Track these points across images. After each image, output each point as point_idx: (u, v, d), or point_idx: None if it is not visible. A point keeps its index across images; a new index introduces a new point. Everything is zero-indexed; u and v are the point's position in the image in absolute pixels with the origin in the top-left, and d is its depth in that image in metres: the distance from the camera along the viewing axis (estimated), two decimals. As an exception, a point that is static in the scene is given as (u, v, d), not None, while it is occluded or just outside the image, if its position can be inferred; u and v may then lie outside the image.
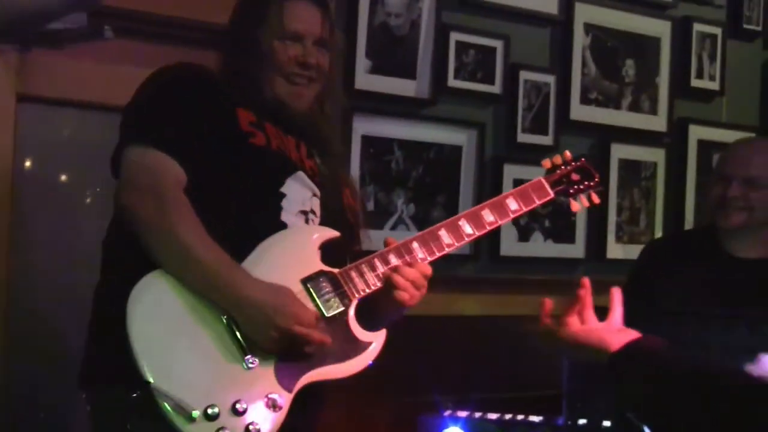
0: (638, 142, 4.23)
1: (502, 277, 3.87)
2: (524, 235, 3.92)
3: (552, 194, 2.57)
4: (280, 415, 2.16)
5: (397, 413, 3.40)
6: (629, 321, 2.46)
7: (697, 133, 4.38)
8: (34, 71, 3.08)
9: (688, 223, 4.34)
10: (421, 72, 3.65)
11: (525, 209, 2.53)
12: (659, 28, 4.28)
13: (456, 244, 2.43)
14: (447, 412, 2.72)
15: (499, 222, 2.48)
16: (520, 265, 3.91)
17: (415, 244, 2.40)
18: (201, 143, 2.27)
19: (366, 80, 3.54)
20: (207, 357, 2.17)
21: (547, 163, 2.61)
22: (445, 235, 2.42)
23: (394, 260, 2.36)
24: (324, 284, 2.28)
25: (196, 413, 2.07)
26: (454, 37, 3.71)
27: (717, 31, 4.44)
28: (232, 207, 2.28)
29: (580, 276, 3.98)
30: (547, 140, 3.96)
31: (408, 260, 2.36)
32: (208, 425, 2.08)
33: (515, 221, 3.86)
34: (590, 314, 2.35)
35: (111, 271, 2.32)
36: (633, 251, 3.98)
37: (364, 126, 3.54)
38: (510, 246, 3.87)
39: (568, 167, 2.61)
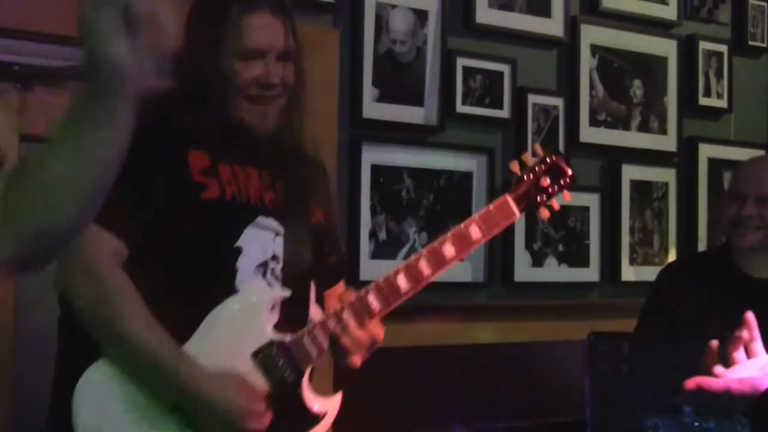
0: (649, 163, 4.18)
1: (516, 303, 3.81)
2: (538, 261, 3.86)
3: (517, 215, 2.43)
4: None
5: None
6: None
7: (706, 151, 4.34)
8: (35, 110, 3.03)
9: (701, 241, 4.29)
10: (428, 99, 3.60)
11: (488, 237, 2.41)
12: (665, 47, 4.24)
13: (414, 288, 2.31)
14: (468, 443, 2.64)
15: (461, 256, 2.37)
16: (534, 291, 3.85)
17: (371, 297, 2.27)
18: (144, 208, 2.13)
19: (373, 109, 3.49)
20: None
21: (515, 166, 2.46)
22: (402, 281, 2.30)
23: (350, 320, 2.24)
24: (275, 356, 2.19)
25: None
26: (461, 62, 3.67)
27: (723, 48, 4.41)
28: (180, 276, 2.16)
29: (594, 299, 3.99)
30: (557, 164, 3.89)
31: (362, 319, 2.25)
32: None
33: (529, 246, 3.82)
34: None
35: (61, 356, 2.22)
36: (647, 273, 3.96)
37: (372, 155, 3.49)
38: (524, 271, 3.81)
39: (537, 171, 2.45)
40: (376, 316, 2.28)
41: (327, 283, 2.48)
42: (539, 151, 2.49)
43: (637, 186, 4.14)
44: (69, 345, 2.19)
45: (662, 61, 4.23)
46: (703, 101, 4.34)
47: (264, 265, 2.24)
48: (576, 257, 3.97)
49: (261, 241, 2.24)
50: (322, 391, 2.33)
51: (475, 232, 2.36)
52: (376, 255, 3.49)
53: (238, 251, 2.21)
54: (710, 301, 3.13)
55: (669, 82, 4.25)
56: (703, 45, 4.34)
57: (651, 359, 2.41)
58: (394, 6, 3.54)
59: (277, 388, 2.17)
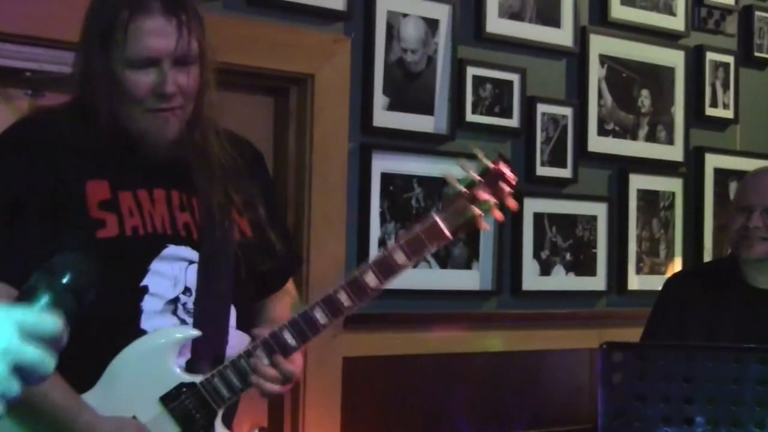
0: (656, 172, 4.17)
1: (524, 312, 3.78)
2: (546, 269, 3.84)
3: (447, 233, 2.20)
4: None
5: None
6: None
7: (713, 161, 4.32)
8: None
9: (707, 251, 4.27)
10: (438, 107, 3.58)
11: (417, 260, 2.24)
12: (673, 57, 4.22)
13: (333, 321, 2.17)
14: (478, 453, 2.61)
15: (383, 285, 2.18)
16: (542, 300, 3.82)
17: (286, 334, 2.13)
18: (35, 252, 1.93)
19: (384, 117, 3.47)
20: None
21: (453, 180, 2.23)
22: (320, 316, 2.14)
23: (263, 358, 2.12)
24: (185, 399, 2.08)
25: None
26: (471, 71, 3.65)
27: (729, 59, 4.39)
28: (80, 321, 2.07)
29: (602, 308, 3.97)
30: (566, 173, 3.89)
31: (277, 357, 2.11)
32: None
33: (537, 255, 3.80)
34: None
35: None
36: (653, 282, 3.95)
37: (382, 163, 3.47)
38: (532, 280, 3.78)
39: (474, 185, 2.21)
40: (292, 353, 2.15)
41: (267, 291, 2.38)
42: (480, 156, 2.26)
43: (645, 195, 4.12)
44: None
45: (670, 71, 4.21)
46: (710, 111, 4.32)
47: (174, 301, 2.12)
48: (583, 266, 3.94)
49: (170, 275, 2.12)
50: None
51: (399, 257, 2.17)
52: (385, 263, 3.46)
53: (144, 290, 2.09)
54: (717, 312, 3.12)
55: (676, 93, 4.23)
56: (710, 56, 4.32)
57: (663, 370, 2.38)
58: (405, 15, 3.51)
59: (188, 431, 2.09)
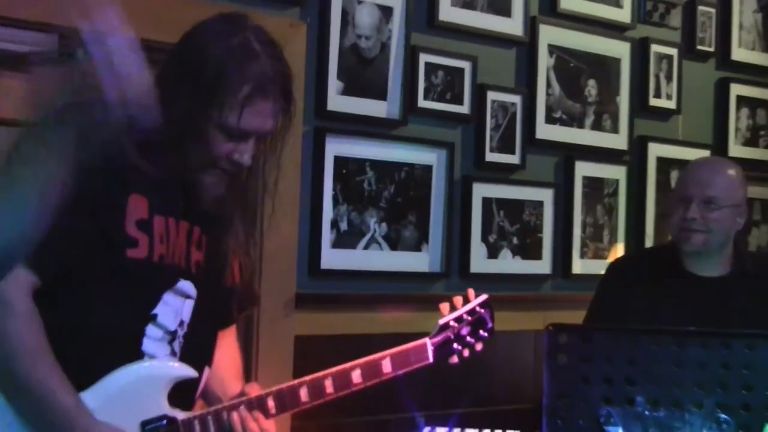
0: (601, 160, 4.18)
1: (472, 293, 3.78)
2: (493, 253, 3.84)
3: (431, 361, 2.36)
4: None
5: (379, 429, 3.32)
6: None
7: (655, 150, 4.34)
8: (2, 95, 2.96)
9: (649, 237, 4.30)
10: (391, 93, 3.57)
11: (398, 373, 2.32)
12: (619, 49, 4.24)
13: (313, 402, 2.25)
14: (427, 429, 2.61)
15: (366, 384, 2.29)
16: (489, 282, 3.80)
17: (270, 401, 2.20)
18: (66, 249, 2.00)
19: (337, 102, 3.45)
20: None
21: (445, 307, 2.41)
22: (304, 394, 2.23)
23: (244, 413, 2.18)
24: (162, 430, 2.11)
25: None
26: (423, 58, 3.64)
27: (673, 51, 4.41)
28: (89, 326, 2.06)
29: (546, 291, 3.99)
30: (514, 159, 3.89)
31: (256, 415, 2.19)
32: None
33: (485, 239, 3.80)
34: None
35: None
36: (597, 267, 3.99)
37: (336, 147, 3.45)
38: (480, 263, 3.79)
39: (462, 321, 2.40)
40: (271, 417, 2.22)
41: (222, 324, 2.41)
42: (471, 297, 2.43)
43: (590, 182, 4.14)
44: None
45: (616, 62, 4.23)
46: (654, 102, 4.34)
47: (173, 333, 2.16)
48: (529, 250, 3.95)
49: (174, 308, 2.16)
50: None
51: (386, 366, 2.31)
52: (337, 245, 3.45)
53: (153, 318, 2.12)
54: (658, 297, 3.14)
55: (622, 83, 4.24)
56: (655, 48, 4.34)
57: (607, 352, 2.38)
58: (360, 2, 3.50)
59: None
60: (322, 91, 3.42)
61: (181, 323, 2.18)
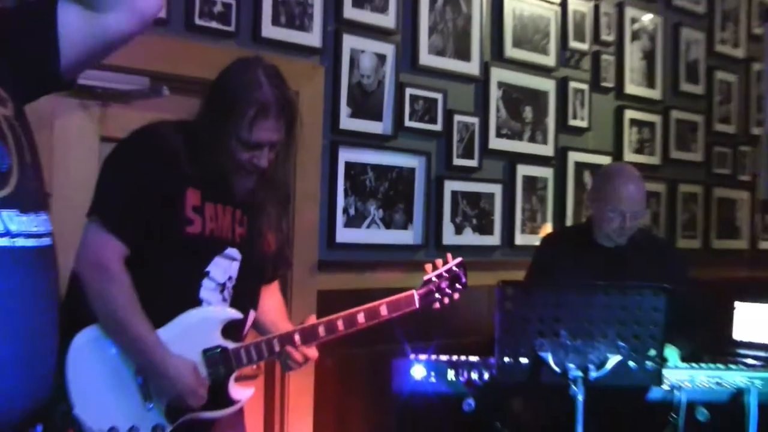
0: (535, 164, 4.17)
1: (443, 259, 3.77)
2: (459, 230, 3.84)
3: (417, 307, 2.34)
4: None
5: (375, 358, 3.32)
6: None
7: (573, 157, 4.33)
8: (112, 120, 2.95)
9: (568, 218, 4.30)
10: (385, 116, 3.55)
11: (392, 316, 2.30)
12: (547, 85, 4.22)
13: (327, 337, 2.25)
14: (412, 356, 2.62)
15: (368, 324, 2.27)
16: (456, 251, 3.71)
17: (296, 336, 2.22)
18: (144, 226, 2.02)
19: (347, 122, 3.44)
20: (119, 395, 2.06)
21: (429, 267, 2.37)
22: (322, 330, 2.24)
23: (276, 347, 2.19)
24: (217, 356, 2.12)
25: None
26: (408, 91, 3.62)
27: (584, 87, 4.40)
28: (162, 282, 2.07)
29: (497, 258, 3.97)
30: (473, 163, 3.88)
31: (289, 347, 2.21)
32: None
33: (453, 220, 3.79)
34: None
35: (65, 314, 2.15)
36: (533, 239, 3.99)
37: (346, 155, 3.44)
38: (449, 237, 3.78)
39: (441, 277, 2.37)
40: (315, 342, 2.25)
41: (265, 281, 2.40)
42: (449, 259, 2.41)
43: (527, 180, 4.13)
44: (70, 310, 2.11)
45: (545, 94, 4.21)
46: (572, 122, 4.32)
47: (222, 285, 2.16)
48: (485, 228, 3.94)
49: (224, 267, 2.16)
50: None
51: (383, 310, 2.30)
52: (347, 225, 3.45)
53: (206, 274, 2.13)
54: (576, 261, 3.15)
55: (549, 109, 4.23)
56: (572, 84, 4.32)
57: (540, 300, 2.39)
58: (363, 51, 3.48)
59: (212, 378, 2.12)
60: (335, 115, 3.40)
61: (230, 278, 2.18)
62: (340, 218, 3.42)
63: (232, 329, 2.18)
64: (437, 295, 2.37)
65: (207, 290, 2.13)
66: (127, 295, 2.01)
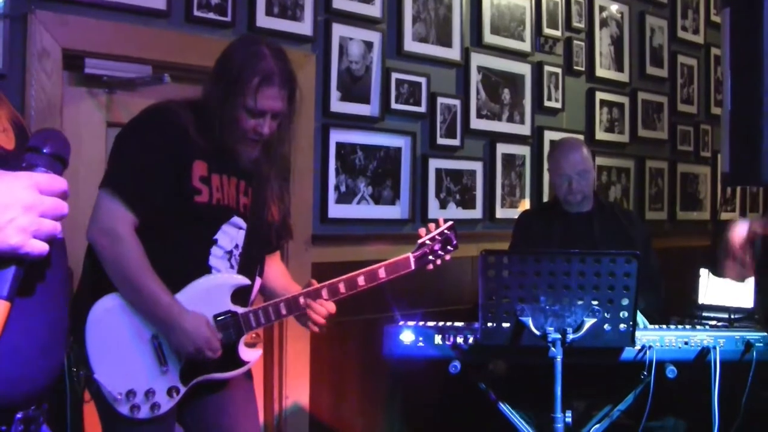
0: (513, 142, 4.12)
1: (429, 232, 3.74)
2: (443, 205, 3.80)
3: (413, 268, 2.28)
4: (177, 399, 2.05)
5: (367, 325, 3.30)
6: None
7: (549, 136, 4.28)
8: (118, 106, 2.89)
9: (545, 193, 4.26)
10: (373, 99, 3.49)
11: (389, 278, 2.25)
12: (524, 69, 4.17)
13: (329, 299, 2.20)
14: (402, 322, 2.58)
15: (368, 286, 2.23)
16: (440, 224, 3.79)
17: (301, 300, 2.17)
18: (153, 196, 1.99)
19: (337, 105, 3.38)
20: (136, 360, 2.02)
21: (422, 231, 2.31)
22: (325, 293, 2.19)
23: (283, 310, 2.16)
24: (228, 320, 2.09)
25: (120, 395, 1.97)
26: (394, 75, 3.57)
27: (558, 70, 4.34)
28: (173, 249, 2.03)
29: (479, 230, 3.94)
30: (456, 142, 3.83)
31: (290, 310, 2.17)
32: (127, 403, 1.99)
33: (437, 196, 3.75)
34: None
35: (81, 287, 2.10)
36: (512, 213, 3.97)
37: (336, 136, 3.38)
38: (434, 212, 3.74)
39: (434, 240, 2.30)
40: (325, 298, 2.20)
41: (269, 251, 2.37)
42: (441, 223, 2.34)
43: (506, 158, 4.08)
44: (87, 280, 2.08)
45: (522, 77, 4.16)
46: (547, 104, 4.27)
47: (230, 252, 2.12)
48: (467, 203, 3.90)
49: (231, 235, 2.12)
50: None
51: (381, 273, 2.25)
52: (338, 201, 3.41)
53: (215, 242, 2.09)
54: (547, 230, 3.17)
55: (526, 91, 4.17)
56: (547, 68, 4.27)
57: (520, 267, 2.36)
58: (351, 39, 3.41)
59: (224, 340, 2.09)
60: (326, 99, 3.35)
61: (237, 246, 2.14)
62: (332, 195, 3.37)
63: (240, 295, 2.15)
64: (431, 257, 2.32)
65: (215, 258, 2.09)
66: (139, 256, 1.97)
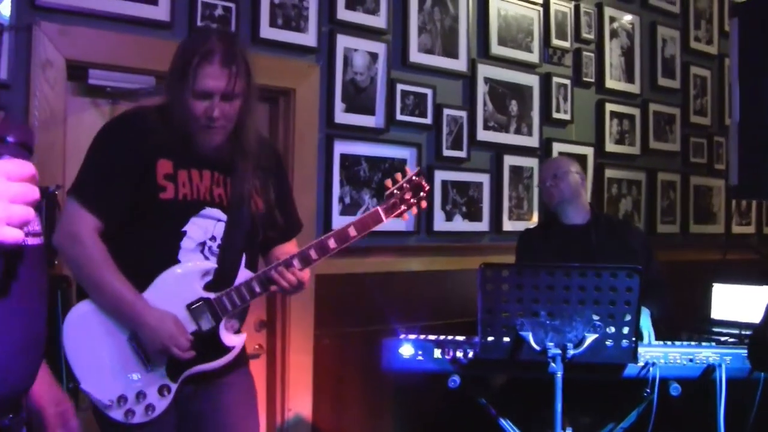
0: (521, 154, 4.07)
1: (435, 245, 3.69)
2: (449, 217, 3.75)
3: (384, 220, 2.19)
4: (170, 397, 2.01)
5: (369, 337, 3.26)
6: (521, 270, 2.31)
7: (557, 148, 4.23)
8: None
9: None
10: (378, 110, 3.46)
11: (361, 235, 2.17)
12: (531, 80, 4.12)
13: (302, 268, 2.11)
14: (401, 336, 2.55)
15: (339, 247, 2.15)
16: (446, 237, 3.75)
17: (272, 273, 2.10)
18: (117, 198, 1.97)
19: (342, 117, 3.35)
20: (119, 363, 1.99)
21: (389, 182, 2.20)
22: (297, 263, 2.11)
23: (257, 288, 2.09)
24: (202, 307, 2.04)
25: (111, 402, 1.94)
26: (399, 87, 3.53)
27: (567, 82, 4.29)
28: (142, 248, 2.00)
29: (486, 243, 3.90)
30: (462, 154, 3.79)
31: (264, 287, 2.09)
32: (120, 409, 1.95)
33: (443, 207, 3.71)
34: None
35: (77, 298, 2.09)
36: (519, 225, 3.91)
37: (341, 147, 3.35)
38: (440, 224, 3.70)
39: (402, 189, 2.20)
40: (298, 267, 2.12)
41: (274, 245, 2.31)
42: (408, 171, 2.23)
43: (514, 170, 4.03)
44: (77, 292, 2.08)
45: (530, 88, 4.11)
46: (555, 115, 4.22)
47: (203, 244, 2.06)
48: (474, 215, 3.85)
49: (203, 227, 2.06)
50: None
51: (352, 231, 2.17)
52: (342, 213, 3.37)
53: (183, 233, 2.04)
54: (546, 242, 3.15)
55: (534, 103, 4.13)
56: (555, 79, 4.22)
57: (519, 281, 2.31)
58: (356, 50, 3.39)
59: (201, 329, 2.04)
60: (331, 110, 3.32)
61: (212, 237, 2.08)
62: (336, 206, 3.34)
63: (218, 282, 2.08)
64: (403, 207, 2.21)
65: (186, 251, 2.04)
66: (99, 256, 1.95)
